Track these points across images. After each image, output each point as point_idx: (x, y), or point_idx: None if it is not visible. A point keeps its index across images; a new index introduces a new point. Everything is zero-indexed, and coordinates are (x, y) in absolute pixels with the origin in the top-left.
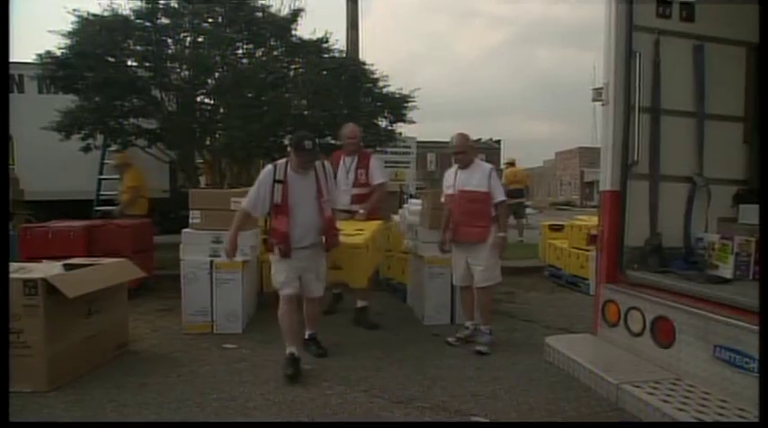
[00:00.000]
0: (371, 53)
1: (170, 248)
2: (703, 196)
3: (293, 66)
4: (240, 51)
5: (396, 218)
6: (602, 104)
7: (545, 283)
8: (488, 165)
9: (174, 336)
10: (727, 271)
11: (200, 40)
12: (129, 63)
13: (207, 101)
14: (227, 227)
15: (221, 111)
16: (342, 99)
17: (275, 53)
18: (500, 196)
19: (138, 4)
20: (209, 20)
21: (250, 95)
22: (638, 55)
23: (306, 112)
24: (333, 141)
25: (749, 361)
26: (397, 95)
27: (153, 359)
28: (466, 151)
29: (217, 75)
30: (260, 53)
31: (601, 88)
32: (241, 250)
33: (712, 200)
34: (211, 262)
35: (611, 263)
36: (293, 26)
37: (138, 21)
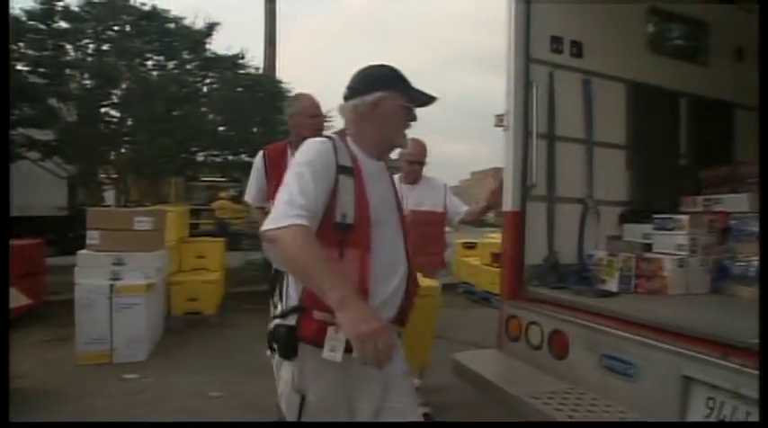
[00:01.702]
0: (292, 71)
1: (67, 271)
2: (593, 216)
3: (207, 81)
4: (150, 63)
5: None
6: (503, 130)
7: (460, 300)
8: (440, 180)
9: (66, 369)
10: (612, 285)
11: (104, 48)
12: (20, 68)
13: (112, 113)
14: (129, 248)
15: (128, 123)
16: (257, 116)
17: (188, 67)
18: (463, 207)
19: (32, 4)
20: (115, 27)
21: (160, 109)
22: (534, 85)
23: (220, 129)
24: (247, 159)
25: (629, 368)
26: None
27: (38, 396)
28: (424, 162)
29: (124, 86)
30: (172, 66)
31: (502, 114)
32: (144, 273)
33: (601, 219)
34: (111, 285)
35: (513, 280)
36: (208, 40)
37: (31, 22)
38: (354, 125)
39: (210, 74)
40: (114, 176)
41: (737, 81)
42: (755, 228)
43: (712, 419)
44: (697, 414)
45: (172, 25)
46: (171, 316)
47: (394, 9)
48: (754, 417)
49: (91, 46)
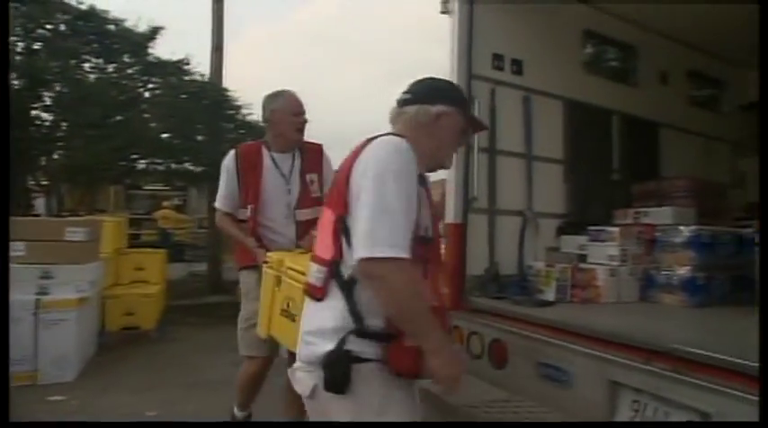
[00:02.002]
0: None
1: None
2: (533, 228)
3: (149, 86)
4: (87, 65)
5: None
6: None
7: None
8: None
9: None
10: (550, 294)
11: (35, 47)
12: None
13: (44, 116)
14: (59, 260)
15: (62, 128)
16: (202, 124)
17: (129, 71)
18: None
19: None
20: (48, 26)
21: (97, 114)
22: (476, 100)
23: (162, 136)
24: (191, 167)
25: (563, 375)
26: (261, 124)
27: None
28: None
29: (57, 88)
30: (111, 69)
31: None
32: (75, 286)
33: (540, 231)
34: (37, 301)
35: (456, 291)
36: (151, 44)
37: None
38: (410, 132)
39: (153, 79)
40: (45, 183)
41: (662, 102)
42: (678, 239)
43: (637, 420)
44: (623, 416)
45: (112, 27)
46: (105, 331)
47: (345, 22)
48: (674, 417)
49: (20, 44)
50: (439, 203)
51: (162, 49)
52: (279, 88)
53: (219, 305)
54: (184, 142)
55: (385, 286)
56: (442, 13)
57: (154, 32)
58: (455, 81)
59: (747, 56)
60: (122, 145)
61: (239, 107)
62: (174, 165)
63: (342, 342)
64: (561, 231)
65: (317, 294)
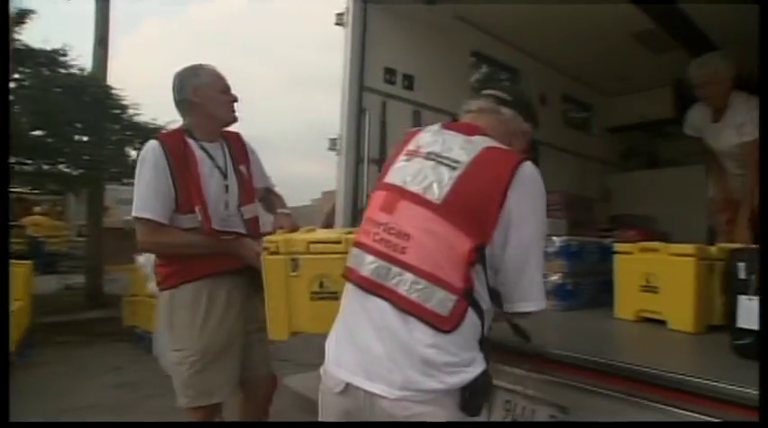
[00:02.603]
0: (132, 77)
1: None
2: None
3: (16, 76)
4: None
5: (140, 259)
6: (337, 154)
7: None
8: None
9: None
10: None
11: None
12: None
13: None
14: None
15: None
16: (82, 123)
17: None
18: None
19: None
20: None
21: None
22: (367, 112)
23: (31, 133)
24: (67, 170)
25: None
26: (151, 126)
27: None
28: None
29: None
30: None
31: (336, 138)
32: None
33: None
34: None
35: None
36: (17, 29)
37: None
38: (501, 136)
39: (21, 68)
40: None
41: (541, 122)
42: (551, 249)
43: (509, 419)
44: (497, 416)
45: None
46: None
47: (244, 25)
48: (540, 413)
49: None
50: (330, 213)
51: (32, 36)
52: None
53: (98, 321)
54: (59, 142)
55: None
56: (337, 24)
57: (22, 16)
58: (346, 92)
59: (613, 84)
60: None
61: (126, 107)
62: (45, 166)
63: (485, 365)
64: None
65: (446, 325)
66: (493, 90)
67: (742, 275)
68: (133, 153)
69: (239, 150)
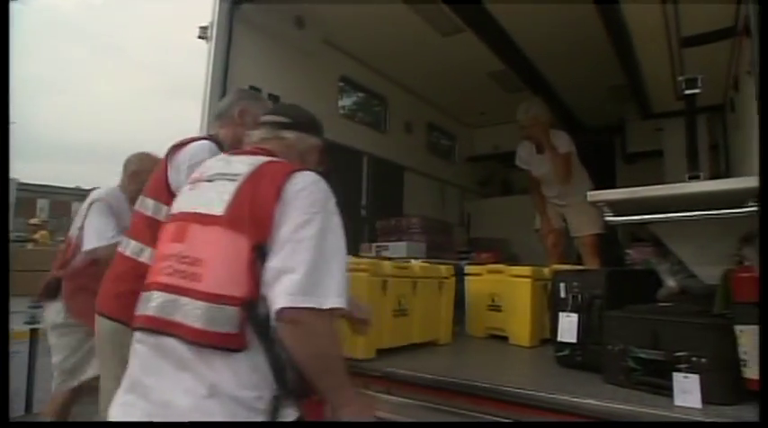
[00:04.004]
0: None
1: None
2: None
3: None
4: None
5: None
6: None
7: None
8: None
9: None
10: None
11: None
12: None
13: None
14: None
15: None
16: None
17: None
18: None
19: None
20: None
21: None
22: None
23: None
24: None
25: None
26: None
27: None
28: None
29: None
30: None
31: None
32: None
33: None
34: None
35: None
36: None
37: None
38: (289, 158)
39: None
40: None
41: (407, 148)
42: None
43: None
44: None
45: None
46: None
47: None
48: None
49: None
50: None
51: None
52: (38, 85)
53: None
54: None
55: (311, 333)
56: (200, 38)
57: None
58: (206, 107)
59: (473, 118)
60: None
61: None
62: None
63: (275, 407)
64: None
65: (236, 344)
66: (271, 116)
67: (562, 294)
68: None
69: None
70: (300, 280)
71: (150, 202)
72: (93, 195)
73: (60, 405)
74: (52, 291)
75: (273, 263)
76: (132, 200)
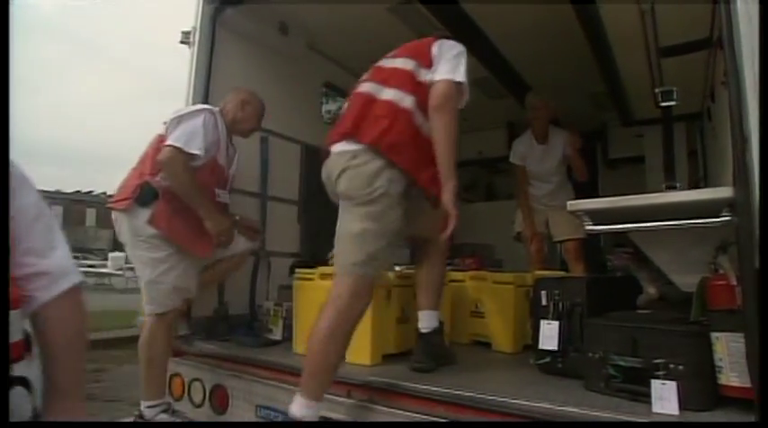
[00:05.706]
0: None
1: None
2: (265, 267)
3: None
4: None
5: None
6: None
7: None
8: None
9: None
10: (278, 333)
11: None
12: None
13: None
14: None
15: None
16: None
17: None
18: None
19: None
20: None
21: None
22: None
23: None
24: None
25: (279, 415)
26: None
27: None
28: None
29: None
30: None
31: None
32: None
33: (273, 270)
34: None
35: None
36: None
37: None
38: None
39: None
40: None
41: None
42: None
43: None
44: None
45: None
46: None
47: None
48: None
49: None
50: None
51: None
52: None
53: None
54: None
55: None
56: (182, 42)
57: None
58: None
59: (458, 123)
60: None
61: None
62: None
63: None
64: (293, 270)
65: None
66: None
67: (543, 301)
68: None
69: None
70: None
71: None
72: (206, 106)
73: (169, 323)
74: (148, 197)
75: None
76: (229, 128)
